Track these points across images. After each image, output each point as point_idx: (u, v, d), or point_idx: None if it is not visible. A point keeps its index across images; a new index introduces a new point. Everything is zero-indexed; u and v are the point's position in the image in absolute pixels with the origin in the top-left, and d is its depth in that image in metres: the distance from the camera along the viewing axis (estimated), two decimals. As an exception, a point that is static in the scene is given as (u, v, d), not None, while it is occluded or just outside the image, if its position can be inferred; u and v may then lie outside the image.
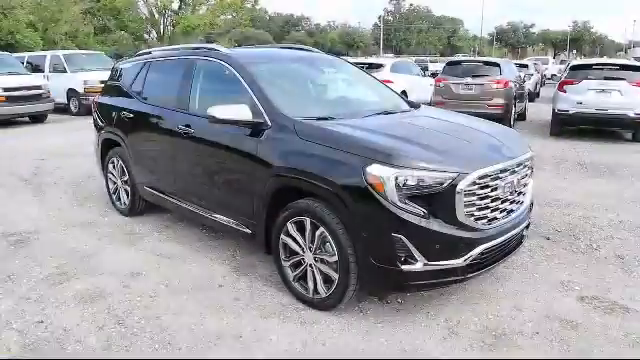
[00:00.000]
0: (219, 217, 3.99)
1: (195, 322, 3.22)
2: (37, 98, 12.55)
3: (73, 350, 2.92)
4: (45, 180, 6.91)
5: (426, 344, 2.98)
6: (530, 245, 4.43)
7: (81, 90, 14.36)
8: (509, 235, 3.28)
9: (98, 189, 6.08)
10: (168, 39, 31.45)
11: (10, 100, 11.84)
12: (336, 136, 3.20)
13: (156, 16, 32.51)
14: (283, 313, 3.33)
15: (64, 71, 14.92)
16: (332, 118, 3.56)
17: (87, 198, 5.98)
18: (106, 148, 5.39)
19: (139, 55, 5.34)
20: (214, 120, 3.55)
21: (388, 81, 11.69)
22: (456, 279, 3.09)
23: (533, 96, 17.54)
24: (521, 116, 12.97)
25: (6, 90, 11.77)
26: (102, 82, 12.66)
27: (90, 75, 14.57)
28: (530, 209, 3.66)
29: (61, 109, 14.50)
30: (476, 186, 2.97)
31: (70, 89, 14.74)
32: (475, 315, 3.29)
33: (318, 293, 3.30)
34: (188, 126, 4.07)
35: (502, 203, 3.19)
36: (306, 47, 5.06)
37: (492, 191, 3.08)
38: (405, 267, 2.91)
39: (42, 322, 3.23)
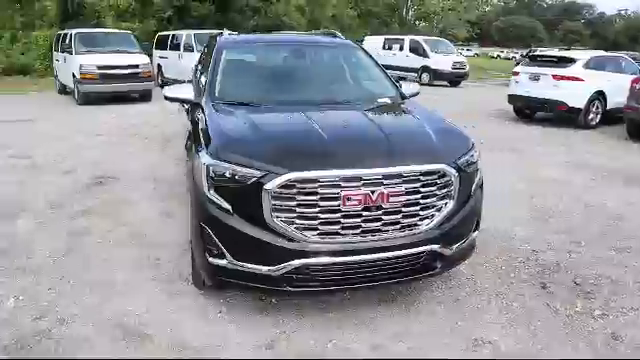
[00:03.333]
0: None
1: (103, 268, 3.74)
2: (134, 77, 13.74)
3: (23, 251, 3.81)
4: (182, 142, 8.40)
5: (229, 345, 2.84)
6: (507, 288, 3.51)
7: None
8: (367, 258, 2.77)
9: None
10: (408, 24, 32.10)
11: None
12: (212, 121, 3.23)
13: (398, 1, 33.42)
14: (169, 281, 3.56)
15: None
16: (257, 105, 3.54)
17: (186, 159, 7.09)
18: (187, 116, 6.32)
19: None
20: (166, 98, 3.93)
21: (577, 79, 9.84)
22: (277, 289, 2.82)
23: None
24: None
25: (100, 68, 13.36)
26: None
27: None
28: (443, 234, 2.93)
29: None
30: (294, 190, 2.62)
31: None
32: (316, 338, 2.90)
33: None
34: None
35: (347, 218, 2.70)
36: (333, 32, 4.97)
37: (324, 200, 2.65)
38: (212, 260, 2.83)
39: (29, 240, 4.25)
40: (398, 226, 2.80)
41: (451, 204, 2.92)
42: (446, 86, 19.93)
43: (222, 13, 27.99)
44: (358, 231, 2.74)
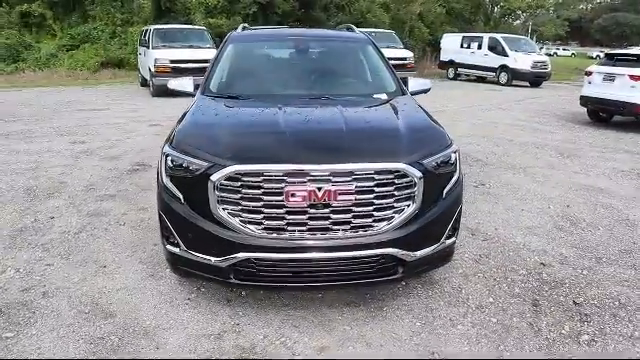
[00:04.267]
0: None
1: (104, 248, 3.97)
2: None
3: (42, 227, 4.16)
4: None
5: (178, 329, 2.90)
6: (492, 302, 3.24)
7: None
8: (316, 257, 2.69)
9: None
10: (494, 21, 30.46)
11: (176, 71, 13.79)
12: (189, 113, 3.34)
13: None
14: (155, 266, 3.67)
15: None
16: (243, 98, 3.60)
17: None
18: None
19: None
20: (170, 90, 4.08)
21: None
22: (225, 281, 2.83)
23: None
24: None
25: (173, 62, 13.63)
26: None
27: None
28: (403, 238, 2.76)
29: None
30: (238, 183, 2.61)
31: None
32: (267, 334, 2.87)
33: None
34: None
35: (292, 214, 2.64)
36: (350, 26, 4.90)
37: (268, 194, 2.61)
38: (169, 247, 2.91)
39: (53, 218, 4.62)
40: (349, 226, 2.69)
41: (413, 206, 2.75)
42: (526, 86, 18.77)
43: (305, 10, 28.32)
44: (305, 228, 2.67)
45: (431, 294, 3.34)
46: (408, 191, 2.73)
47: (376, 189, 2.66)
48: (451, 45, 21.72)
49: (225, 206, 2.66)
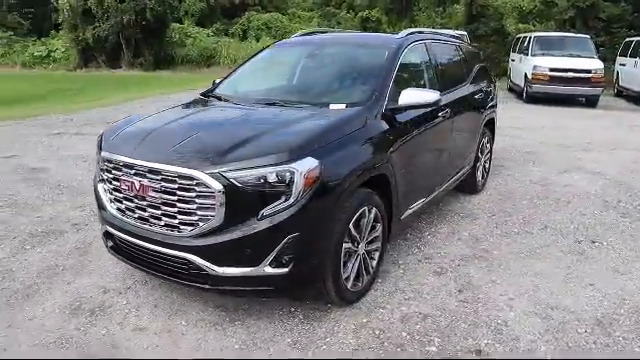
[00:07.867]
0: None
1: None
2: (585, 81, 12.87)
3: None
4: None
5: (78, 285, 3.58)
6: None
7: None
8: (141, 244, 2.98)
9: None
10: None
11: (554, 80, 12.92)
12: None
13: None
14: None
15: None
16: (220, 99, 4.01)
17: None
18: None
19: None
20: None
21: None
22: (106, 247, 3.36)
23: None
24: None
25: (552, 70, 12.93)
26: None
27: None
28: (204, 247, 2.72)
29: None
30: (105, 165, 3.12)
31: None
32: (120, 298, 3.27)
33: None
34: None
35: (126, 200, 3.02)
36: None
37: (115, 180, 3.06)
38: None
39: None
40: (162, 222, 2.86)
41: (215, 218, 2.68)
42: None
43: (639, 14, 23.39)
44: (135, 215, 2.98)
45: (297, 330, 2.97)
46: (210, 201, 2.67)
47: (178, 192, 2.75)
48: None
49: (103, 184, 3.23)
